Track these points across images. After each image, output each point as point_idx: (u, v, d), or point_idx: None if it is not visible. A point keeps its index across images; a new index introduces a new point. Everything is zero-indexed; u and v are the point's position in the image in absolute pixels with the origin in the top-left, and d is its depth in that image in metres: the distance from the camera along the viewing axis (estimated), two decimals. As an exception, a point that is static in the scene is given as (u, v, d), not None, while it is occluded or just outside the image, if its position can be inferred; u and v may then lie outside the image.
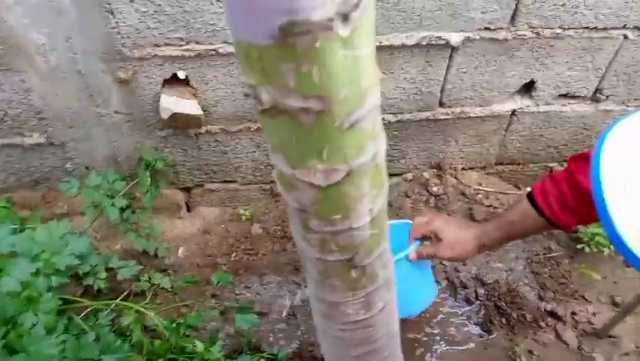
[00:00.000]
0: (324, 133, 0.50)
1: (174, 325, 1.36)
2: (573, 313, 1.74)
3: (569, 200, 1.05)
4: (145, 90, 1.55)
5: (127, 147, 1.72)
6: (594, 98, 1.84)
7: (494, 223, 1.13)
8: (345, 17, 0.42)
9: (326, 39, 0.42)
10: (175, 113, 1.55)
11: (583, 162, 1.00)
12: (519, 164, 2.03)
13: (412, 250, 1.20)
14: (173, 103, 1.56)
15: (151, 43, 1.44)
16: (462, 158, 1.98)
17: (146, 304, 1.63)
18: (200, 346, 1.25)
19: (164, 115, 1.56)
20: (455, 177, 1.97)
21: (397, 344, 0.97)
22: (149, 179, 1.70)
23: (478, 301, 1.76)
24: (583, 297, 1.78)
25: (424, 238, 1.23)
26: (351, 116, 0.50)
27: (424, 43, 1.55)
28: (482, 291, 1.76)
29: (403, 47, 1.56)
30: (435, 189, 1.95)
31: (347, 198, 0.58)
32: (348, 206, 0.59)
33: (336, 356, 0.92)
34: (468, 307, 1.75)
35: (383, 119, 1.80)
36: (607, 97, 1.83)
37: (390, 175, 2.00)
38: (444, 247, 1.14)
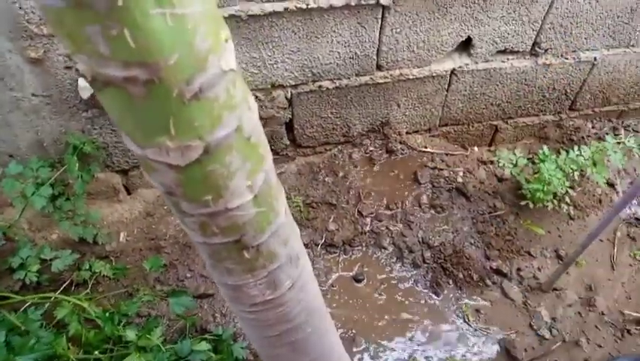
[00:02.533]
0: (163, 105, 0.44)
1: (107, 314, 1.31)
2: (519, 270, 1.75)
3: None
4: (61, 70, 1.44)
5: (51, 131, 1.62)
6: (533, 53, 1.82)
7: None
8: (146, -32, 0.36)
9: (129, -5, 0.36)
10: (95, 92, 1.46)
11: None
12: (464, 124, 2.00)
13: None
14: (92, 81, 1.47)
15: (58, 18, 1.33)
16: (406, 122, 1.94)
17: (86, 294, 1.57)
18: (131, 335, 1.20)
19: (84, 95, 1.47)
20: (400, 142, 1.93)
21: (322, 319, 0.94)
22: (77, 164, 1.62)
23: (425, 265, 1.75)
24: (528, 253, 1.80)
25: None
26: (191, 84, 0.44)
27: (353, 3, 1.48)
28: (429, 254, 1.75)
29: (332, 8, 1.49)
30: (380, 153, 1.92)
31: (214, 176, 0.53)
32: (218, 185, 0.54)
33: (257, 337, 0.88)
34: (415, 271, 1.74)
35: (320, 86, 1.76)
36: (545, 50, 1.81)
37: (335, 143, 1.96)
38: None
